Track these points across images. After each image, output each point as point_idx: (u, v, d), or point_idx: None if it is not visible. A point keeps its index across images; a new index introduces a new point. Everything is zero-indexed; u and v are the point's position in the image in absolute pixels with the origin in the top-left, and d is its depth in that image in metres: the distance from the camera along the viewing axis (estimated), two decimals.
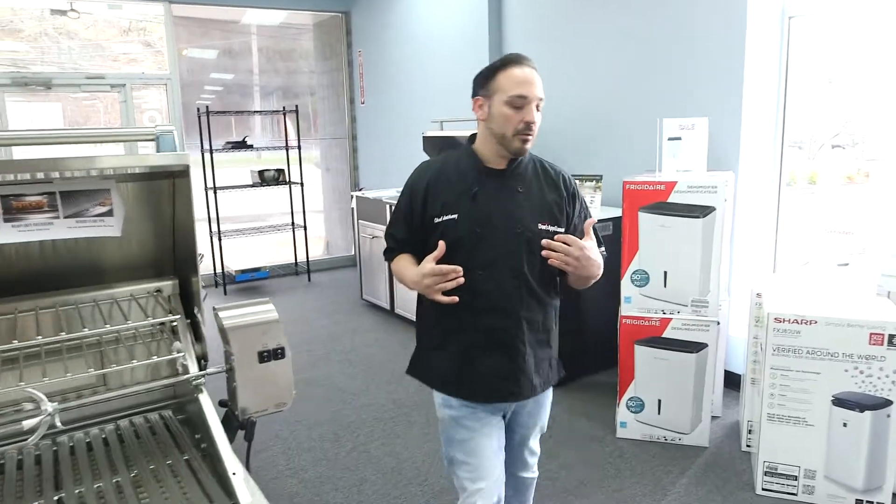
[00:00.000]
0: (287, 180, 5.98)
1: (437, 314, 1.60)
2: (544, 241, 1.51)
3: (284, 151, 5.96)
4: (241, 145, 5.64)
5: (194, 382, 1.71)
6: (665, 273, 2.77)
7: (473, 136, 1.66)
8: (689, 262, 2.72)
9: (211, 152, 5.50)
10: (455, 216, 1.56)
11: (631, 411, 2.89)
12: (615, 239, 3.32)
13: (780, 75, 3.19)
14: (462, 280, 1.47)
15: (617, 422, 2.94)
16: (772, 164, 3.27)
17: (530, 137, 1.54)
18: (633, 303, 2.83)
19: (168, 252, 2.05)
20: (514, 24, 4.48)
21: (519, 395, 1.64)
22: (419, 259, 1.57)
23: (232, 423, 1.72)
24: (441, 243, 1.51)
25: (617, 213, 3.43)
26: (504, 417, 1.70)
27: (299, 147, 5.99)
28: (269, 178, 5.82)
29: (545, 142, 4.45)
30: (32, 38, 5.47)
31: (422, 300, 1.68)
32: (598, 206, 3.59)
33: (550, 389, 1.77)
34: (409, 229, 1.64)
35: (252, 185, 5.83)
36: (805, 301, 2.42)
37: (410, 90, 5.56)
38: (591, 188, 3.64)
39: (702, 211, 2.67)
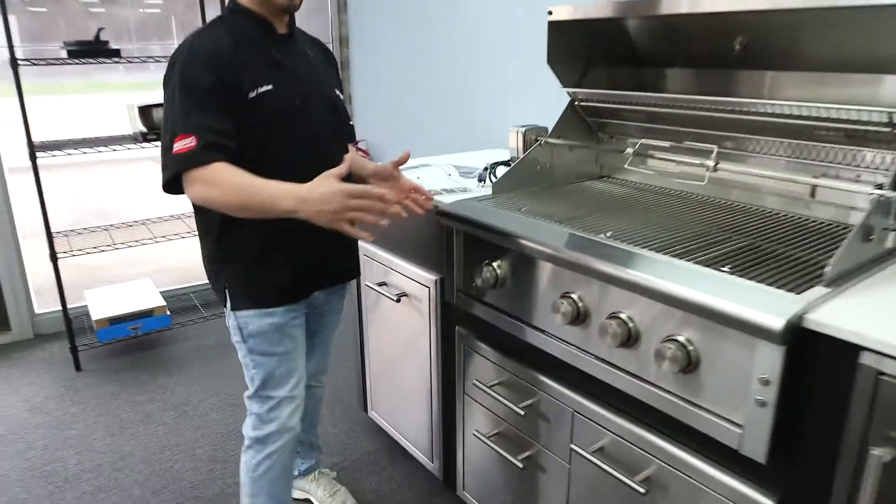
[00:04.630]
0: None
1: (260, 223, 1.29)
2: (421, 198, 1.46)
3: None
4: (97, 51, 2.55)
5: None
6: None
7: (232, 2, 1.34)
8: None
9: (16, 65, 2.42)
10: (270, 87, 1.28)
11: None
12: None
13: None
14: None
15: None
16: None
17: None
18: None
19: None
20: None
21: (356, 272, 1.59)
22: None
23: None
24: (347, 157, 1.34)
25: None
26: (310, 319, 1.55)
27: None
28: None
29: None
30: None
31: (228, 218, 1.27)
32: None
33: None
34: (226, 115, 1.22)
35: (132, 140, 2.79)
36: None
37: None
38: None
39: None
